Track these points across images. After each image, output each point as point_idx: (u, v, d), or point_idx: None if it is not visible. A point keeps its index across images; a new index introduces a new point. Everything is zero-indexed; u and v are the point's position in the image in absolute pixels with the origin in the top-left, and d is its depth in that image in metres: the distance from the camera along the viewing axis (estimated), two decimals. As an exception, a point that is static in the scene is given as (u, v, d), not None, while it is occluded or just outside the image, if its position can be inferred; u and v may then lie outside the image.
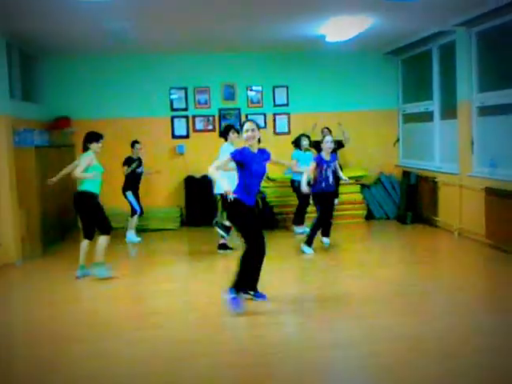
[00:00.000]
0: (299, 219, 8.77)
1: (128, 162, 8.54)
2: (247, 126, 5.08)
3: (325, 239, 7.78)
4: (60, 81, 9.79)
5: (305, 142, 8.64)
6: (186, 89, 10.07)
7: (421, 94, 9.76)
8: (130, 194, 8.54)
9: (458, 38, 8.03)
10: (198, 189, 9.71)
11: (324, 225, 7.64)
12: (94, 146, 6.41)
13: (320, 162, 7.36)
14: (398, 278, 6.18)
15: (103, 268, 6.33)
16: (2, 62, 7.38)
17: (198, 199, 9.70)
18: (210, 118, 10.15)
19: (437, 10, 7.15)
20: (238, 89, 10.18)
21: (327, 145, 7.40)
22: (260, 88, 10.26)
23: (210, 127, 10.14)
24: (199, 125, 10.11)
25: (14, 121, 7.65)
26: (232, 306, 4.93)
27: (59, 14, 6.61)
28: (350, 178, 9.62)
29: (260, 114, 10.20)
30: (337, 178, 8.32)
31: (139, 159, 8.60)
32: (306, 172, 7.22)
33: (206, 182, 9.49)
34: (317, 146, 9.72)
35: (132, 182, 8.58)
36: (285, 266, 6.91)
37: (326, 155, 7.42)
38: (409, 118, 10.40)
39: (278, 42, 9.04)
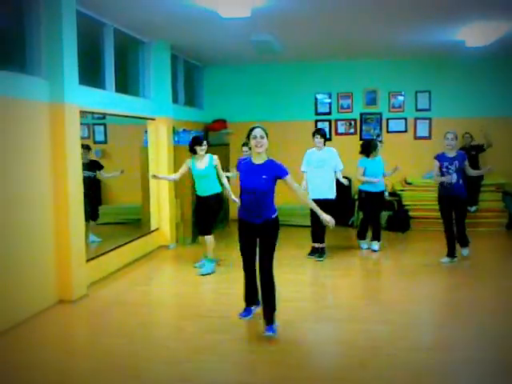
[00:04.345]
0: (363, 233, 8.27)
1: None
2: (255, 132, 4.59)
3: (463, 250, 7.47)
4: (218, 87, 10.91)
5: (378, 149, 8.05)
6: (330, 94, 10.62)
7: None
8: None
9: None
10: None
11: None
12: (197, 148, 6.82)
13: (439, 160, 7.11)
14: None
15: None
16: (167, 72, 8.58)
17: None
18: (352, 122, 10.57)
19: None
20: (379, 94, 10.46)
21: (454, 142, 7.09)
22: (402, 93, 10.41)
23: (352, 131, 10.56)
24: (341, 128, 10.59)
25: (175, 123, 8.85)
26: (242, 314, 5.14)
27: (213, 30, 7.53)
28: (490, 185, 9.47)
29: (401, 118, 10.40)
30: (471, 183, 8.11)
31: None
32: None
33: (342, 183, 9.97)
34: (478, 149, 9.59)
35: None
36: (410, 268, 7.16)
37: (450, 152, 7.09)
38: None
39: (418, 48, 9.18)
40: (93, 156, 8.58)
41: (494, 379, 3.96)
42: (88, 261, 6.22)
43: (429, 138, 10.29)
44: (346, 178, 10.10)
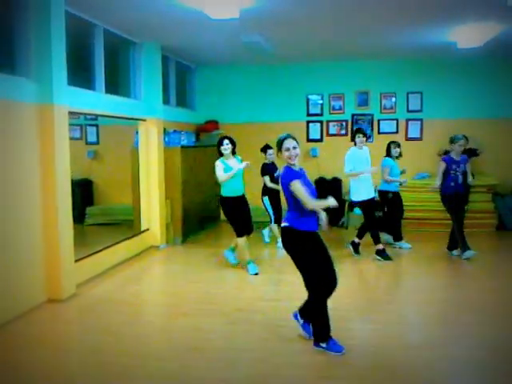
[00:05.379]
0: (399, 234, 8.37)
1: (267, 170, 8.18)
2: (287, 143, 4.33)
3: (456, 252, 7.68)
4: (210, 88, 10.93)
5: (395, 150, 8.11)
6: (321, 95, 10.66)
7: None
8: (266, 199, 8.26)
9: None
10: (328, 190, 10.19)
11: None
12: (222, 149, 6.78)
13: (449, 162, 7.44)
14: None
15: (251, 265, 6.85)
16: (157, 73, 8.59)
17: (328, 200, 10.19)
18: (343, 123, 10.62)
19: None
20: (371, 95, 10.51)
21: (460, 148, 7.46)
22: (393, 94, 10.47)
23: (343, 132, 10.60)
24: (332, 129, 10.63)
25: (166, 124, 8.85)
26: (334, 350, 4.35)
27: (203, 31, 7.55)
28: (481, 186, 9.53)
29: (393, 119, 10.46)
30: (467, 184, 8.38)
31: (273, 165, 8.18)
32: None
33: (336, 184, 10.10)
34: (470, 153, 9.65)
35: (269, 189, 8.14)
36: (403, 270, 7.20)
37: (456, 156, 7.47)
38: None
39: (409, 50, 9.22)
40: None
41: (482, 377, 3.99)
42: (78, 260, 6.25)
43: (420, 139, 10.34)
44: (336, 178, 10.32)
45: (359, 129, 7.98)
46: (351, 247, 7.78)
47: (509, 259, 7.74)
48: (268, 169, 8.21)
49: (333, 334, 4.43)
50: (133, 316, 5.43)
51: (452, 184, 7.44)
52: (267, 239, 8.67)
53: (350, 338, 4.69)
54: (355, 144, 7.67)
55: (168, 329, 5.10)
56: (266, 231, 8.74)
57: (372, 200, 7.61)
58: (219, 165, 6.68)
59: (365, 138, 7.66)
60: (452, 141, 7.51)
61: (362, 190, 7.52)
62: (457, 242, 7.57)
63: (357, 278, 7.07)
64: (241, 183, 6.84)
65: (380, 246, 7.50)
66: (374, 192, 7.72)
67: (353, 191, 7.66)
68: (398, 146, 8.16)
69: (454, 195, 7.46)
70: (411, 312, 5.56)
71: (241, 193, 6.86)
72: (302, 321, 4.72)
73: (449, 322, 5.11)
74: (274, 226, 8.29)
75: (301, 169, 4.50)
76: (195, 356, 4.35)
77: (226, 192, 6.79)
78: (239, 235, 6.82)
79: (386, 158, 8.12)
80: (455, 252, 7.68)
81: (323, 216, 4.40)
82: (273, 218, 8.29)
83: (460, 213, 7.54)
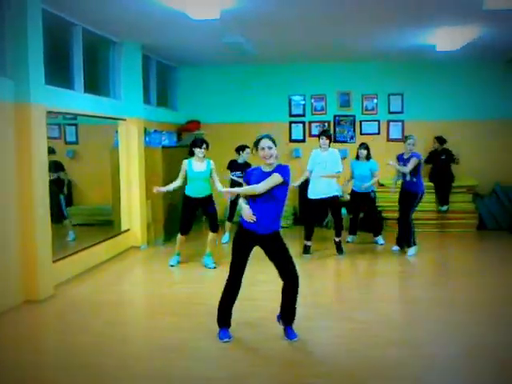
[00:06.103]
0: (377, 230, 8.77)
1: (232, 166, 8.52)
2: (262, 143, 4.39)
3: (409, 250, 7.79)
4: (192, 88, 10.87)
5: (360, 151, 8.44)
6: (303, 96, 10.67)
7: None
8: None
9: None
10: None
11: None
12: (196, 150, 6.94)
13: (397, 159, 7.90)
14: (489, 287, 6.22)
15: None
16: (137, 72, 8.53)
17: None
18: (326, 124, 10.64)
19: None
20: (353, 96, 10.54)
21: (408, 147, 7.69)
22: (375, 95, 10.52)
23: (325, 132, 10.61)
24: (315, 130, 10.61)
25: (147, 123, 8.78)
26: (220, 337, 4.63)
27: (185, 31, 7.49)
28: (460, 186, 9.63)
29: (374, 120, 10.51)
30: (443, 184, 8.51)
31: (247, 164, 8.16)
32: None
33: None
34: (449, 155, 9.80)
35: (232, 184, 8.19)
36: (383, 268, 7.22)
37: (406, 154, 7.76)
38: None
39: (390, 51, 9.26)
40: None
41: (464, 376, 4.00)
42: (56, 261, 6.18)
43: (401, 140, 10.30)
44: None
45: (324, 130, 8.12)
46: (336, 246, 7.85)
47: (491, 258, 7.85)
48: (232, 165, 8.50)
49: (316, 332, 4.46)
50: (113, 316, 5.37)
51: (403, 182, 7.82)
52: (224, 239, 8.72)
53: (335, 336, 4.72)
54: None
55: (150, 329, 5.04)
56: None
57: (323, 200, 7.59)
58: (184, 164, 6.95)
59: (328, 141, 7.67)
60: (404, 140, 7.87)
61: (314, 189, 7.65)
62: (407, 239, 7.78)
63: (339, 276, 7.10)
64: (202, 186, 6.96)
65: (308, 243, 7.78)
66: (329, 192, 7.59)
67: (308, 189, 7.77)
68: (365, 148, 8.43)
69: (402, 192, 7.82)
70: (395, 310, 5.56)
71: (202, 195, 6.97)
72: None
73: (431, 321, 5.13)
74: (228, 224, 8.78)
75: (281, 166, 4.44)
76: (179, 356, 4.32)
77: (187, 190, 7.05)
78: (181, 233, 7.11)
79: (354, 160, 8.61)
80: (411, 251, 7.76)
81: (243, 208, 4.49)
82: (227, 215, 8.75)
83: (407, 210, 7.75)
